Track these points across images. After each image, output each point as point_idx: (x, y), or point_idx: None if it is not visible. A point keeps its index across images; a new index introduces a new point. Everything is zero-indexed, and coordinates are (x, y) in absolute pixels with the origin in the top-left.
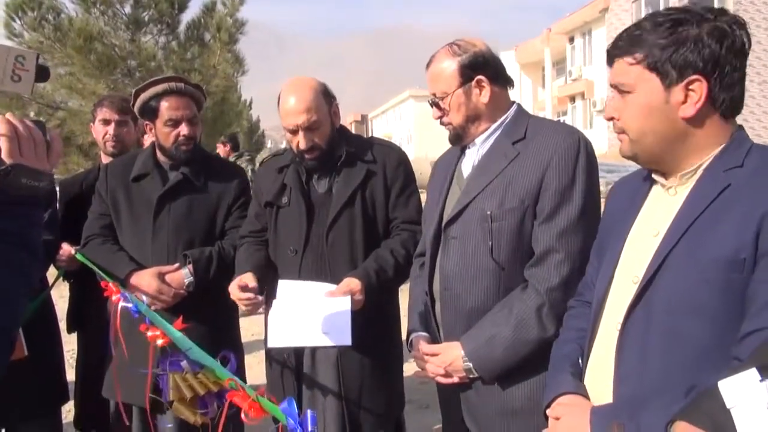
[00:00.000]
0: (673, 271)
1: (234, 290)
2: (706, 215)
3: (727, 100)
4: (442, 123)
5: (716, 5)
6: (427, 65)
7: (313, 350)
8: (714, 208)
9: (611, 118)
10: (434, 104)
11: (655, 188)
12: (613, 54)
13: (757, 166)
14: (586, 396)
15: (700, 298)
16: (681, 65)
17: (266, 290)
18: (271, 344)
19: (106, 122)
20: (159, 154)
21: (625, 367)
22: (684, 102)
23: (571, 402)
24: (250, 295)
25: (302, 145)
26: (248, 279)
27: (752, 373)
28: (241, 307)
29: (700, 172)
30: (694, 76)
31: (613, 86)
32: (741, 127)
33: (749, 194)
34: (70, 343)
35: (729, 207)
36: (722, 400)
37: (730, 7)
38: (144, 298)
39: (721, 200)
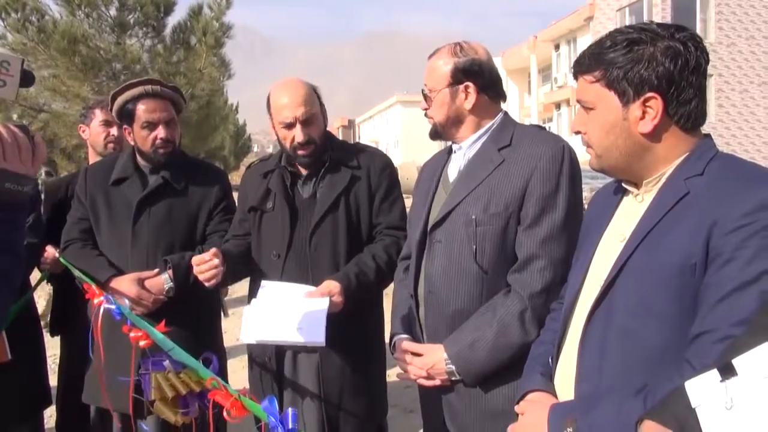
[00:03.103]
0: (632, 274)
1: (196, 263)
2: (664, 222)
3: (684, 114)
4: (426, 115)
5: (699, 16)
6: (430, 56)
7: (294, 354)
8: (672, 214)
9: (578, 132)
10: (424, 94)
11: (627, 195)
12: (576, 71)
13: (716, 175)
14: (552, 393)
15: (655, 301)
16: (637, 83)
17: (248, 291)
18: (243, 339)
19: (108, 123)
20: (139, 158)
21: (585, 366)
22: (642, 118)
23: (535, 399)
24: (205, 257)
25: (299, 138)
26: (209, 253)
27: (714, 374)
28: (202, 278)
29: (663, 180)
30: (650, 94)
31: (578, 102)
32: (708, 136)
33: (704, 202)
34: (52, 348)
35: (685, 214)
36: (688, 400)
37: (712, 17)
38: (126, 302)
39: (679, 207)
